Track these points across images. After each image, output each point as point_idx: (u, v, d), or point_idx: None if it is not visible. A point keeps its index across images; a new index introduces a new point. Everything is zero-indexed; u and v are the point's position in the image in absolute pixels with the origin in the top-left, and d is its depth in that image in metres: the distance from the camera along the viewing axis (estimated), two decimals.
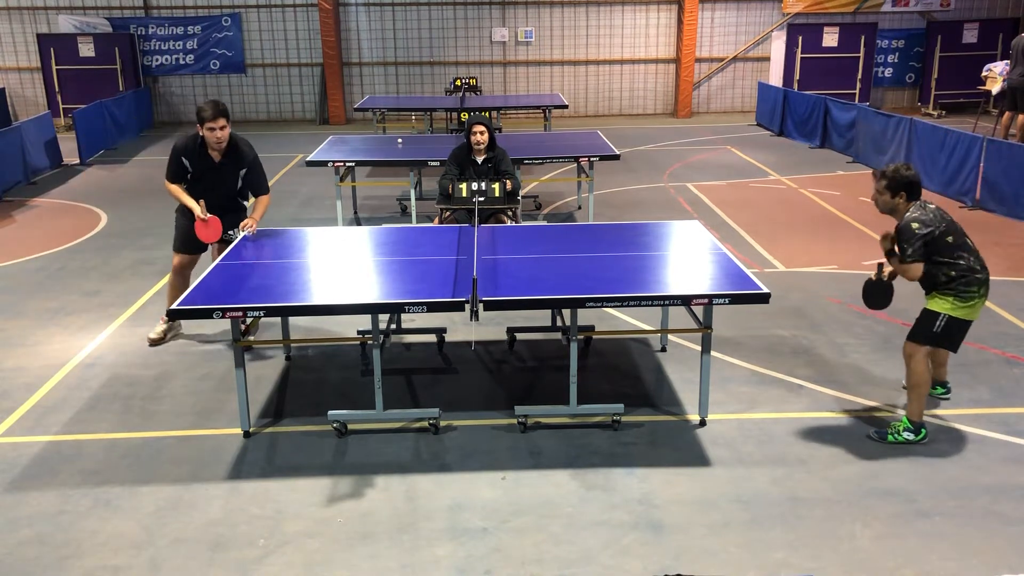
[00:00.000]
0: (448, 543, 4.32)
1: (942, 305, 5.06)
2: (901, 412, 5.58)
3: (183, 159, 6.54)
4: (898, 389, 5.90)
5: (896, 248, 5.12)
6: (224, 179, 6.67)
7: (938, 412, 5.59)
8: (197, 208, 6.49)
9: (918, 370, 5.13)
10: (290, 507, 4.64)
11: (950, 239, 4.99)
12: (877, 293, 5.36)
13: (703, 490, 4.75)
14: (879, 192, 5.14)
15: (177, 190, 6.68)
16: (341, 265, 5.70)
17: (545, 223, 7.10)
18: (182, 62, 18.78)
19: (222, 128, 6.38)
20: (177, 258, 6.92)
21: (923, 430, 5.16)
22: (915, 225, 4.97)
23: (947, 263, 4.99)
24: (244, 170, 6.71)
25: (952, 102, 18.71)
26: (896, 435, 5.16)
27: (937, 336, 5.11)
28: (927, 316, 5.12)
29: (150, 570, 4.15)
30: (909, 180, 5.06)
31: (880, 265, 5.40)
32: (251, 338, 5.39)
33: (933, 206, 5.10)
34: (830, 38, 18.27)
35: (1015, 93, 13.02)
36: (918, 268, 5.01)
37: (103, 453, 5.22)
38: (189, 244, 6.80)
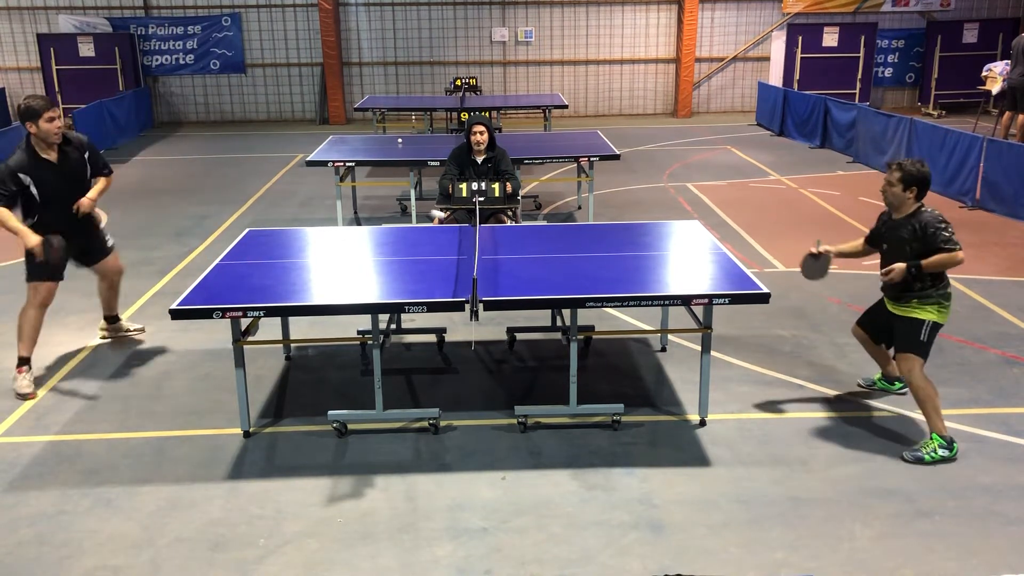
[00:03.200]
0: (448, 543, 4.32)
1: (927, 312, 5.03)
2: (900, 411, 5.59)
3: (19, 176, 5.85)
4: (899, 389, 5.90)
5: (918, 255, 5.01)
6: (75, 171, 6.14)
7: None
8: (32, 238, 5.85)
9: (921, 384, 5.01)
10: (290, 507, 4.64)
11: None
12: (818, 267, 5.47)
13: (703, 490, 4.75)
14: (891, 184, 5.06)
15: (6, 215, 5.83)
16: (341, 265, 5.70)
17: (545, 223, 7.10)
18: (182, 62, 18.78)
19: (59, 116, 5.94)
20: (45, 288, 6.17)
21: (954, 444, 5.03)
22: (943, 225, 4.96)
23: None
24: (87, 152, 6.22)
25: (952, 102, 18.71)
26: (932, 454, 4.98)
27: (924, 344, 5.03)
28: (912, 325, 5.06)
29: (150, 570, 4.15)
30: (924, 177, 5.01)
31: (819, 242, 5.49)
32: (251, 338, 5.39)
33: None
34: (830, 38, 18.27)
35: (1015, 93, 13.02)
36: (961, 256, 4.95)
37: (103, 453, 5.22)
38: (59, 269, 6.19)
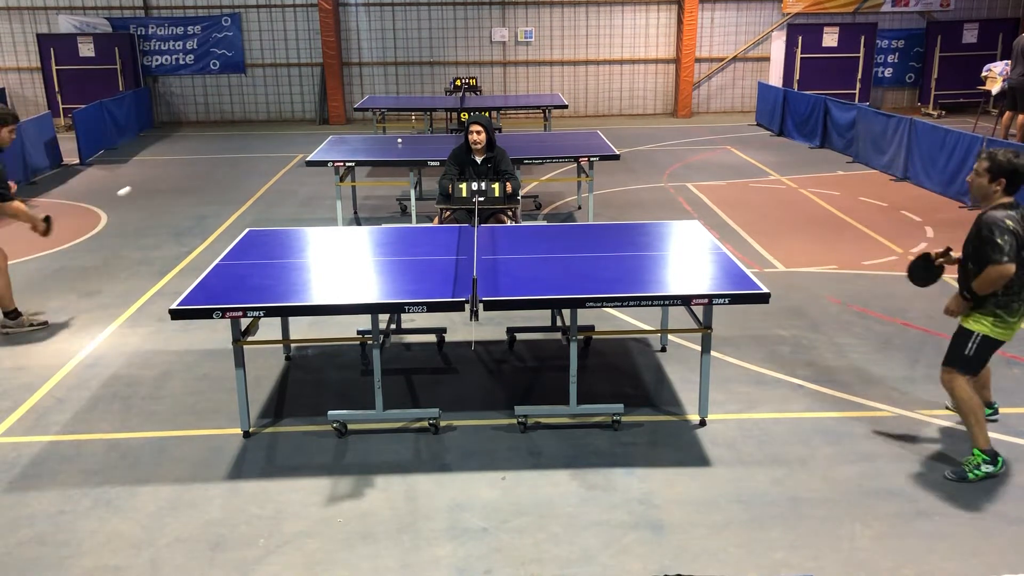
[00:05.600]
0: (448, 543, 4.32)
1: (980, 324, 4.66)
2: (900, 411, 5.58)
3: None
4: (899, 389, 5.90)
5: (971, 259, 4.63)
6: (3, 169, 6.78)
7: (939, 412, 5.58)
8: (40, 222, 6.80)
9: (963, 396, 4.72)
10: (290, 507, 4.64)
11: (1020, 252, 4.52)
12: (927, 273, 5.05)
13: (703, 490, 4.75)
14: (978, 174, 4.62)
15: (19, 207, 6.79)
16: (341, 265, 5.70)
17: (545, 223, 7.10)
18: (182, 62, 18.78)
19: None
20: None
21: (1000, 458, 4.77)
22: (1010, 223, 4.46)
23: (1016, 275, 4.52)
24: None
25: (952, 102, 18.72)
26: (975, 471, 4.73)
27: (969, 359, 4.72)
28: (961, 336, 4.73)
29: (150, 570, 4.15)
30: (1014, 168, 4.53)
31: (948, 251, 4.98)
32: (251, 338, 5.39)
33: (1014, 211, 4.57)
34: (830, 38, 18.27)
35: (1015, 93, 13.02)
36: (1012, 269, 4.43)
37: (103, 453, 5.22)
38: None
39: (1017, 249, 4.47)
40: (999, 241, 4.41)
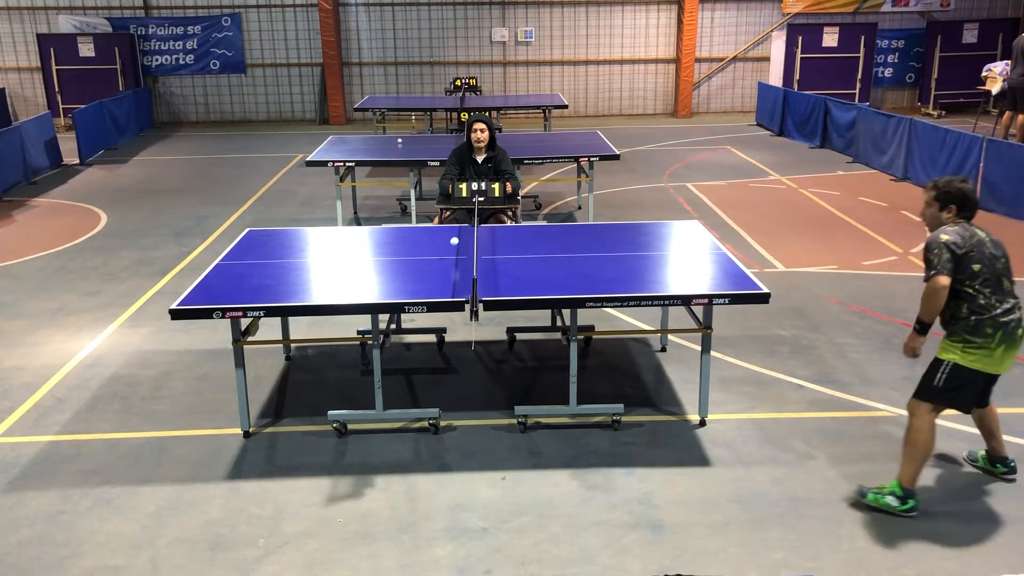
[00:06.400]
0: (448, 543, 4.32)
1: (949, 352, 4.40)
2: (900, 411, 5.58)
3: None
4: (899, 389, 5.89)
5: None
6: None
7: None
8: None
9: (915, 426, 4.46)
10: (290, 507, 4.64)
11: (977, 267, 4.30)
12: None
13: (703, 490, 4.75)
14: (928, 204, 4.52)
15: None
16: (341, 265, 5.70)
17: (545, 223, 7.10)
18: (182, 62, 18.78)
19: None
20: None
21: (911, 500, 4.47)
22: (944, 236, 4.33)
23: (967, 293, 4.31)
24: None
25: (952, 102, 18.71)
26: (879, 496, 4.50)
27: (939, 391, 4.40)
28: (931, 366, 4.47)
29: (150, 570, 4.15)
30: (961, 193, 4.42)
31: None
32: (251, 338, 5.40)
33: (982, 236, 4.40)
34: (830, 38, 18.27)
35: (1015, 93, 13.02)
36: (943, 281, 4.25)
37: (103, 453, 5.22)
38: None
39: (967, 265, 4.29)
40: (930, 257, 4.32)
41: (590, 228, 6.75)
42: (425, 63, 19.07)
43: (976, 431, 5.33)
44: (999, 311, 4.30)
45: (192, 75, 18.92)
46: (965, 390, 4.43)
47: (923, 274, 4.38)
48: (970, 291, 4.31)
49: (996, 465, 4.86)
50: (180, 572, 4.14)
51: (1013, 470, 4.84)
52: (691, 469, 4.96)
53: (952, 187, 4.46)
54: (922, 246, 4.46)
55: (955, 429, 5.36)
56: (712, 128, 17.51)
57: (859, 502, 4.57)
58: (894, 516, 4.47)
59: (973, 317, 4.31)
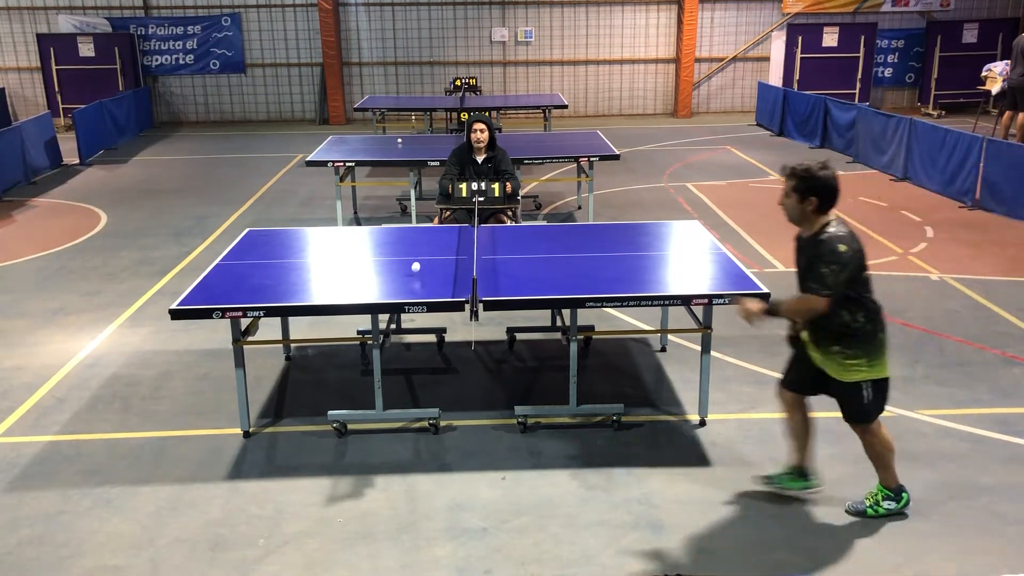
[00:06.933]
0: (448, 543, 4.32)
1: (857, 373, 4.15)
2: (900, 411, 5.58)
3: None
4: (899, 389, 5.89)
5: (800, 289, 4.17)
6: None
7: (939, 412, 5.58)
8: None
9: (873, 443, 4.35)
10: (290, 507, 4.64)
11: (866, 274, 4.10)
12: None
13: (703, 490, 4.75)
14: (786, 195, 4.16)
15: None
16: (341, 265, 5.70)
17: (545, 223, 7.11)
18: (182, 62, 18.78)
19: None
20: None
21: (904, 494, 4.46)
22: (843, 247, 3.98)
23: (859, 299, 4.09)
24: None
25: (952, 102, 18.71)
26: (876, 507, 4.44)
27: (869, 407, 4.23)
28: (848, 390, 4.20)
29: (150, 570, 4.15)
30: (823, 183, 4.06)
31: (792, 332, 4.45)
32: (251, 338, 5.40)
33: (850, 227, 4.16)
34: (830, 38, 18.27)
35: (1015, 93, 13.02)
36: (824, 303, 4.02)
37: (103, 453, 5.22)
38: None
39: (859, 274, 4.07)
40: (824, 271, 4.00)
41: (590, 228, 6.75)
42: (425, 63, 19.07)
43: (982, 431, 5.34)
44: (879, 317, 4.19)
45: (192, 75, 18.91)
46: (887, 394, 4.30)
47: (825, 270, 4.00)
48: (863, 297, 4.12)
49: (798, 480, 4.61)
50: (180, 572, 4.14)
51: (809, 482, 4.63)
52: (691, 469, 4.96)
53: (813, 176, 4.07)
54: (817, 247, 4.09)
55: (953, 428, 5.36)
56: (712, 128, 17.51)
57: (856, 512, 4.50)
58: (892, 515, 4.47)
59: (869, 325, 4.12)
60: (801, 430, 4.57)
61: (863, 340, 4.12)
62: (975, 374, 6.11)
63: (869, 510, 4.48)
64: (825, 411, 5.63)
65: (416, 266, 5.38)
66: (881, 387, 4.23)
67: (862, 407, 4.23)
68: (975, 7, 19.23)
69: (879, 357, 4.17)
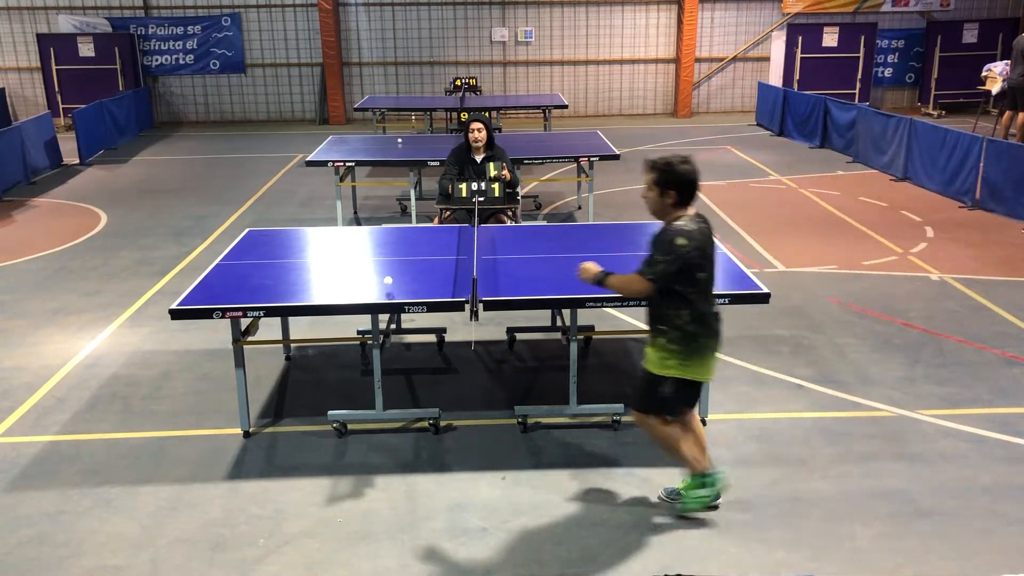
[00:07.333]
0: (448, 543, 4.32)
1: (666, 365, 4.17)
2: (900, 411, 5.58)
3: None
4: (899, 389, 5.90)
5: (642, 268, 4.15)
6: None
7: (939, 412, 5.58)
8: None
9: (658, 434, 4.34)
10: (290, 507, 4.64)
11: (703, 276, 4.13)
12: None
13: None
14: (648, 187, 4.18)
15: None
16: (341, 265, 5.70)
17: (545, 223, 7.11)
18: (182, 62, 18.78)
19: None
20: None
21: (710, 475, 4.40)
22: (680, 241, 4.02)
23: (687, 298, 4.11)
24: None
25: (952, 102, 18.71)
26: (686, 503, 4.44)
27: (660, 401, 4.25)
28: (648, 381, 4.25)
29: (150, 570, 4.15)
30: (682, 177, 4.09)
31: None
32: (251, 338, 5.40)
33: (707, 229, 4.20)
34: (830, 38, 18.27)
35: (1015, 93, 13.02)
36: (646, 287, 4.11)
37: (103, 453, 5.22)
38: None
39: (693, 273, 4.10)
40: (656, 258, 4.06)
41: (590, 228, 6.75)
42: (425, 63, 19.07)
43: (982, 431, 5.34)
44: (712, 314, 4.20)
45: (192, 75, 18.91)
46: (687, 400, 4.33)
47: (657, 257, 4.06)
48: (692, 297, 4.12)
49: (708, 482, 4.48)
50: (180, 572, 4.14)
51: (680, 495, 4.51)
52: None
53: (673, 170, 4.09)
54: (661, 232, 4.12)
55: (953, 428, 5.36)
56: (712, 128, 17.51)
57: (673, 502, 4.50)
58: (706, 506, 4.44)
59: (692, 327, 4.12)
60: (694, 436, 4.49)
61: (684, 339, 4.15)
62: (975, 374, 6.11)
63: (681, 506, 4.47)
64: (824, 411, 5.63)
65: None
66: (685, 389, 4.24)
67: (654, 396, 4.25)
68: (975, 7, 19.23)
69: (696, 361, 4.17)
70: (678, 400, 4.29)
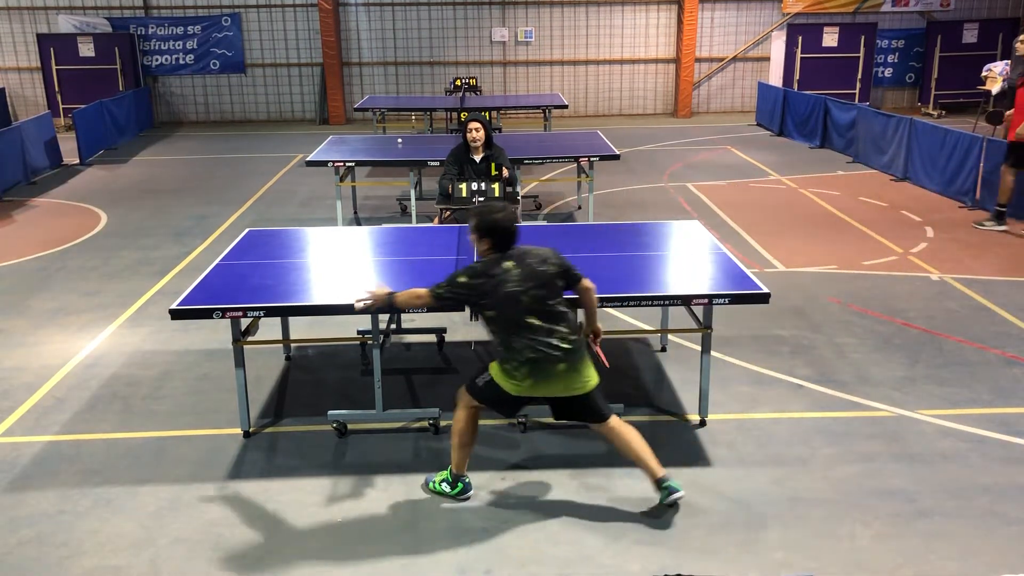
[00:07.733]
0: (448, 543, 4.32)
1: (494, 365, 4.47)
2: (900, 411, 5.59)
3: None
4: (899, 389, 5.90)
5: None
6: None
7: (939, 412, 5.59)
8: None
9: (457, 416, 4.59)
10: (290, 507, 4.64)
11: (491, 313, 4.36)
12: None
13: (703, 490, 4.75)
14: (469, 233, 4.48)
15: None
16: (341, 265, 5.70)
17: (545, 223, 7.10)
18: (182, 62, 18.79)
19: None
20: None
21: (460, 484, 4.65)
22: (462, 278, 4.35)
23: (490, 326, 4.46)
24: None
25: (952, 102, 18.71)
26: (435, 484, 4.71)
27: (478, 389, 4.50)
28: (483, 368, 4.57)
29: (150, 570, 4.15)
30: (495, 226, 4.33)
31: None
32: (251, 338, 5.40)
33: (511, 269, 4.31)
34: (830, 38, 18.28)
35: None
36: (427, 298, 4.46)
37: (103, 453, 5.22)
38: None
39: (481, 309, 4.39)
40: (452, 278, 4.38)
41: (590, 228, 6.74)
42: (425, 63, 19.08)
43: (982, 431, 5.34)
44: (519, 348, 4.32)
45: (192, 75, 18.92)
46: (501, 405, 4.53)
47: (446, 278, 4.40)
48: (491, 328, 4.44)
49: (661, 489, 4.49)
50: (180, 572, 4.14)
51: (670, 490, 4.46)
52: (691, 469, 4.96)
53: (485, 220, 4.36)
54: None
55: (952, 428, 5.36)
56: (712, 128, 17.51)
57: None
58: (449, 497, 4.65)
59: (500, 348, 4.44)
60: (624, 452, 4.56)
61: (507, 354, 4.40)
62: (975, 374, 6.11)
63: (431, 484, 4.74)
64: (824, 411, 5.63)
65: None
66: (498, 391, 4.43)
67: (475, 379, 4.53)
68: (975, 7, 19.24)
69: (513, 376, 4.37)
70: (485, 396, 4.50)
